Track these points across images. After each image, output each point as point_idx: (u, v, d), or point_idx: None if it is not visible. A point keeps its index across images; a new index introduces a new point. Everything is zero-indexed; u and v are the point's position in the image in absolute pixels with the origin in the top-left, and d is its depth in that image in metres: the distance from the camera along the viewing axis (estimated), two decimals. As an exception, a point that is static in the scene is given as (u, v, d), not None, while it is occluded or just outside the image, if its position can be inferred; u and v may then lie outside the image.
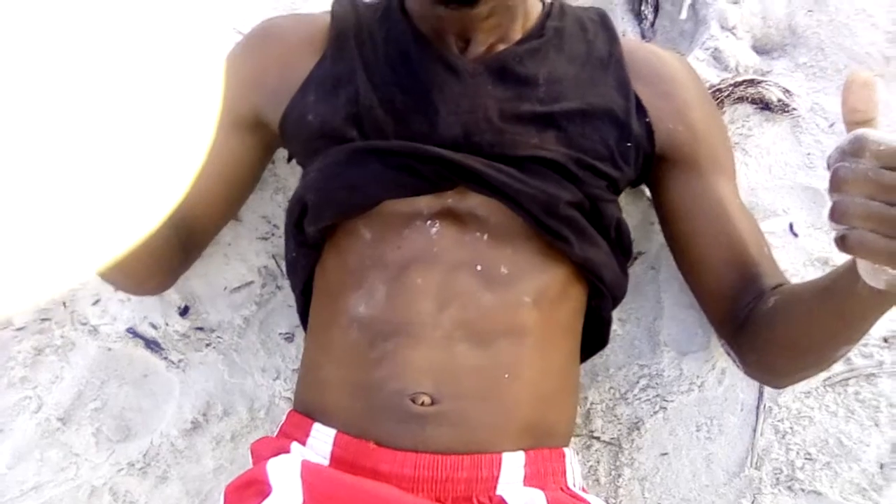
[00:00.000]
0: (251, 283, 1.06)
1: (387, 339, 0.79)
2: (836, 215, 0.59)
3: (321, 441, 0.80)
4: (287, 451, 0.81)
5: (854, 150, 0.58)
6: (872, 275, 0.61)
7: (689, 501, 0.93)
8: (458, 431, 0.77)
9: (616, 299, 0.90)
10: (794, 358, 0.79)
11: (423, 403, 0.76)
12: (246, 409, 1.01)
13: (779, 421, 0.93)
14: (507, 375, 0.79)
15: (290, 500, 0.77)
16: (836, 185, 0.59)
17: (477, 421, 0.77)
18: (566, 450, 0.83)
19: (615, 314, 0.93)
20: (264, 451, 0.83)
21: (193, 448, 1.00)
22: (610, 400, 0.97)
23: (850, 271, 0.66)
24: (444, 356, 0.78)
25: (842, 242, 0.59)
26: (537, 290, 0.81)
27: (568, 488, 0.81)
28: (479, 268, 0.81)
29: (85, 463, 1.00)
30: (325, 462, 0.79)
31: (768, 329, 0.80)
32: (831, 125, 1.03)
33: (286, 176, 1.08)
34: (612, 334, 0.93)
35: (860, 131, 0.58)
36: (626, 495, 0.94)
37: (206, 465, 1.00)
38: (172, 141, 0.48)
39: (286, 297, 1.05)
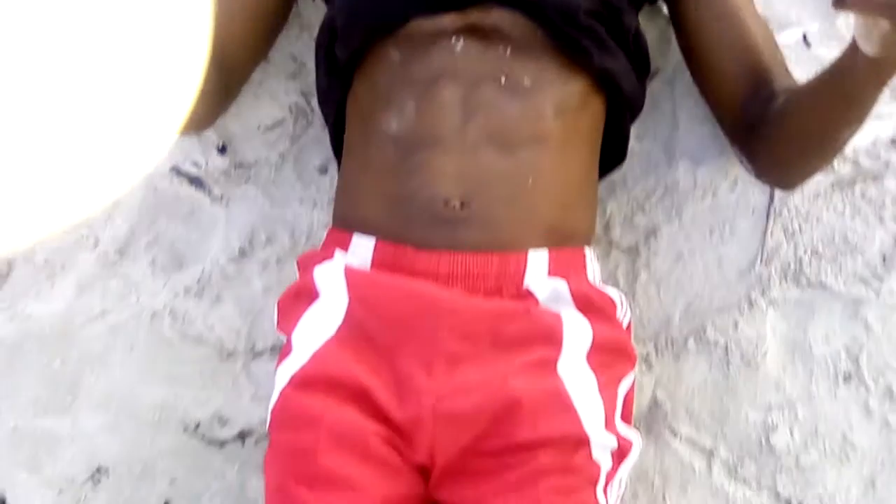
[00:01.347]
0: (283, 120, 1.11)
1: (418, 151, 0.84)
2: None
3: (361, 249, 0.87)
4: (331, 258, 0.89)
5: None
6: (867, 36, 0.66)
7: (702, 298, 1.01)
8: (486, 232, 0.83)
9: (634, 112, 0.95)
10: (802, 148, 0.85)
11: (454, 207, 0.83)
12: (288, 236, 1.09)
13: (788, 221, 0.99)
14: (530, 180, 0.85)
15: (336, 301, 0.86)
16: None
17: (503, 222, 0.84)
18: (586, 249, 0.90)
19: (633, 131, 0.97)
20: (310, 262, 0.91)
21: (242, 272, 1.08)
22: (628, 210, 1.03)
23: (849, 49, 0.71)
24: (472, 163, 0.83)
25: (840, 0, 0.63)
26: (559, 100, 0.86)
27: (588, 281, 0.88)
28: (502, 80, 0.85)
29: (144, 290, 1.09)
30: (366, 267, 0.86)
31: (778, 124, 0.85)
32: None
33: (309, 15, 1.10)
34: (629, 150, 0.98)
35: None
36: (643, 296, 1.01)
37: (255, 286, 1.08)
38: None
39: (317, 133, 1.10)
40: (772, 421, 0.98)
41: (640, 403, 0.99)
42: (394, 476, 0.82)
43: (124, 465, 1.06)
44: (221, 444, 1.06)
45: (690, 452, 0.99)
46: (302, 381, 0.84)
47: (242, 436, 1.06)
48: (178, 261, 1.10)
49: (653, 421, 1.00)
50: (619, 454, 0.84)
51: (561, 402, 0.82)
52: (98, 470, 1.06)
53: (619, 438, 0.84)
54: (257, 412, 1.05)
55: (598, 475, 0.82)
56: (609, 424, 0.83)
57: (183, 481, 1.06)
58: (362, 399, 0.81)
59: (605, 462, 0.83)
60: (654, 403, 1.00)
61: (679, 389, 1.00)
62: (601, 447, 0.82)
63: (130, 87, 0.47)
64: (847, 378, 0.97)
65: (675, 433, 1.00)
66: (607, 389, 0.85)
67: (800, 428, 0.98)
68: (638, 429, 0.91)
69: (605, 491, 0.83)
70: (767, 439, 0.98)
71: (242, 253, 1.09)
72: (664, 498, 0.99)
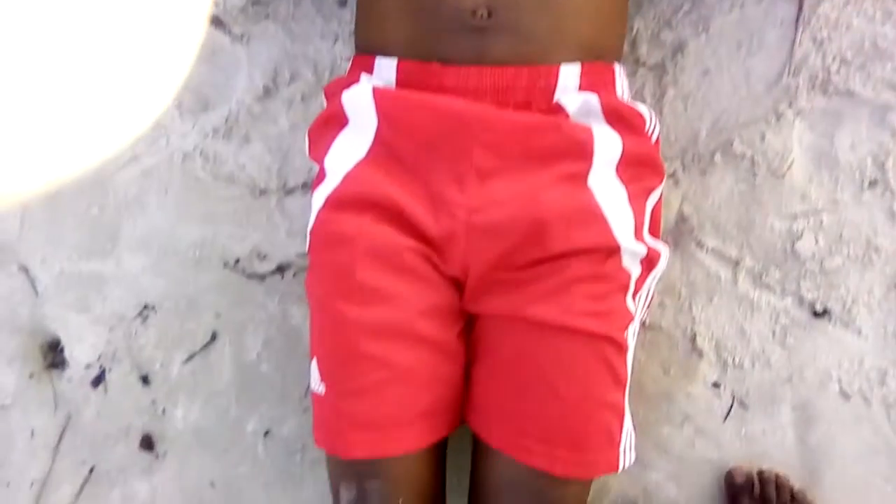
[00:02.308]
0: (298, -48, 1.09)
1: None
2: None
3: (385, 70, 0.86)
4: (357, 82, 0.89)
5: None
6: None
7: (729, 112, 1.01)
8: (516, 42, 0.82)
9: None
10: None
11: (481, 16, 0.81)
12: (311, 72, 1.09)
13: (817, 30, 0.98)
14: None
15: (366, 123, 0.86)
16: None
17: (533, 32, 0.83)
18: (616, 65, 0.90)
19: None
20: (337, 88, 0.91)
21: (268, 111, 1.09)
22: (655, 27, 1.01)
23: None
24: None
25: None
26: None
27: (617, 96, 0.88)
28: None
29: (173, 133, 1.11)
30: (392, 88, 0.86)
31: None
32: None
33: None
34: (655, -35, 0.96)
35: None
36: (670, 112, 1.01)
37: (282, 124, 1.09)
38: None
39: (334, -36, 1.09)
40: (797, 229, 1.00)
41: (668, 218, 1.01)
42: (429, 288, 0.85)
43: (170, 301, 1.11)
44: (262, 277, 1.10)
45: (716, 263, 1.02)
46: (336, 202, 0.86)
47: (281, 269, 1.10)
48: (203, 102, 1.11)
49: (679, 235, 1.02)
50: (648, 263, 0.87)
51: (592, 214, 0.83)
52: (146, 307, 1.11)
53: (648, 248, 0.86)
54: (293, 246, 1.09)
55: (629, 282, 0.85)
56: (638, 234, 0.85)
57: (227, 314, 1.10)
58: (395, 216, 0.83)
59: (634, 270, 0.85)
60: (681, 218, 1.02)
61: (706, 203, 1.01)
62: (631, 255, 0.84)
63: None
64: (873, 184, 0.98)
65: (701, 246, 1.02)
66: (636, 201, 0.86)
67: (825, 235, 0.99)
68: (665, 242, 0.93)
69: (633, 297, 0.86)
70: (792, 247, 1.00)
71: (267, 91, 1.09)
72: (690, 307, 1.02)
